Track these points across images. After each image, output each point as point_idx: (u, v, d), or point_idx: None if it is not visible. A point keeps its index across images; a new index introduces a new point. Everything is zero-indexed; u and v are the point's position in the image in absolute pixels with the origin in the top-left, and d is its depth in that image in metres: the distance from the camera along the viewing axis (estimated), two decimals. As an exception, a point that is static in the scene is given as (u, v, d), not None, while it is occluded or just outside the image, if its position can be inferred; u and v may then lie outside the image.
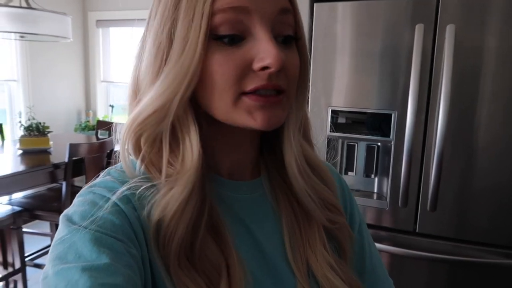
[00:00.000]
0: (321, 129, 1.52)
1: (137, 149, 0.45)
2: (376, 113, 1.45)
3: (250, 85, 0.41)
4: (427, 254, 1.41)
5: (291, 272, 0.50)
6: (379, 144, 1.48)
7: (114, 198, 0.41)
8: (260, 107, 0.42)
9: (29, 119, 2.45)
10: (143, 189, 0.43)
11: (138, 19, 3.72)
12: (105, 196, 0.42)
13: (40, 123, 2.47)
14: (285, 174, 0.51)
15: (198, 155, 0.43)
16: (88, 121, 3.90)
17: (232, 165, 0.51)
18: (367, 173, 1.53)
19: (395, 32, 1.38)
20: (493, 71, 1.28)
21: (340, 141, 1.54)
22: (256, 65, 0.41)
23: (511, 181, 1.32)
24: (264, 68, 0.41)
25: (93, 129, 3.72)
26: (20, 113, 2.91)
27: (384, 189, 1.49)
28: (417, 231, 1.45)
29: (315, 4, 1.49)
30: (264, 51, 0.40)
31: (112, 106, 4.05)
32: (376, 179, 1.52)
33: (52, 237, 2.83)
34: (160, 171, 0.44)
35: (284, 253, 0.51)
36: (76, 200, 0.43)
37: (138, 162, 0.46)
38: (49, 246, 2.69)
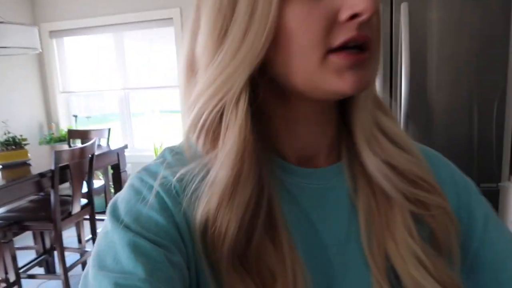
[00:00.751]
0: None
1: (193, 126, 0.41)
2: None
3: (339, 39, 0.36)
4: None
5: (367, 270, 0.41)
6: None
7: (168, 201, 0.38)
8: (350, 67, 0.36)
9: (5, 134, 2.44)
10: (193, 179, 0.39)
11: (91, 27, 3.74)
12: (156, 190, 0.39)
13: (16, 136, 2.47)
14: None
15: (240, 130, 0.37)
16: (52, 134, 3.85)
17: (302, 148, 0.44)
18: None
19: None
20: (441, 39, 1.55)
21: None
22: (345, 14, 0.35)
23: (466, 133, 1.60)
24: (353, 16, 0.35)
25: (59, 141, 3.69)
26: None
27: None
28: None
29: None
30: None
31: (76, 116, 4.02)
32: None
33: (36, 250, 2.81)
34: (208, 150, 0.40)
35: (360, 248, 0.42)
36: (127, 184, 0.42)
37: (194, 142, 0.41)
38: (36, 259, 2.69)
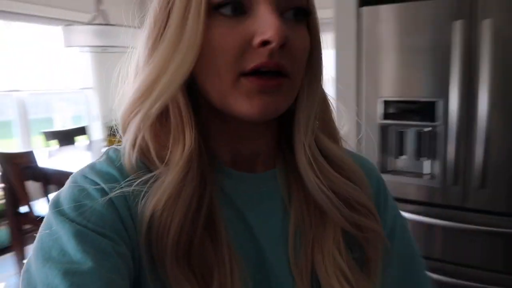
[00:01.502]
0: (373, 119, 1.72)
1: (134, 133, 0.41)
2: (423, 102, 1.62)
3: (250, 63, 0.37)
4: (480, 228, 1.53)
5: (292, 279, 0.44)
6: (427, 129, 1.65)
7: (111, 194, 0.38)
8: (259, 92, 0.38)
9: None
10: (139, 183, 0.39)
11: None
12: (98, 184, 0.39)
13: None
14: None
15: (191, 140, 0.40)
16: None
17: (238, 156, 0.46)
18: (418, 156, 1.70)
19: (436, 28, 1.55)
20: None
21: (392, 128, 1.73)
22: (256, 40, 0.37)
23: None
24: (265, 43, 0.37)
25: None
26: (98, 116, 3.30)
27: (435, 170, 1.65)
28: (468, 207, 1.58)
29: (361, 8, 1.70)
30: (265, 24, 0.37)
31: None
32: (427, 161, 1.68)
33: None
34: (156, 157, 0.41)
35: (287, 256, 0.45)
36: (68, 183, 0.40)
37: (135, 146, 0.42)
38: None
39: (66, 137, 3.24)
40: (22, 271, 0.35)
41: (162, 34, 0.40)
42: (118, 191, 0.38)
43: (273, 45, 0.36)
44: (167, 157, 0.40)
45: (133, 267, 0.37)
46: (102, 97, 3.91)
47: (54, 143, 3.18)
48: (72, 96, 3.97)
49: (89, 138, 3.40)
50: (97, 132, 3.80)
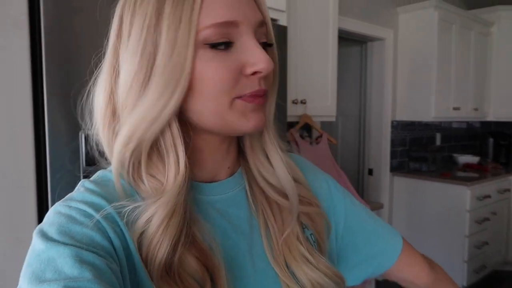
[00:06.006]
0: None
1: (124, 162, 0.45)
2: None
3: (246, 90, 0.44)
4: None
5: (274, 270, 0.51)
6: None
7: (98, 216, 0.40)
8: (253, 109, 0.45)
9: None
10: (128, 206, 0.42)
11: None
12: (85, 211, 0.41)
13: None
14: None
15: (184, 168, 0.44)
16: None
17: (208, 170, 0.51)
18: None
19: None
20: None
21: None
22: (249, 70, 0.43)
23: None
24: (255, 72, 0.43)
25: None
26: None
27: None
28: None
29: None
30: (255, 57, 0.43)
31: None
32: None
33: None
34: (146, 184, 0.45)
35: (265, 255, 0.51)
36: (51, 214, 0.41)
37: (125, 175, 0.45)
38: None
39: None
40: None
41: (152, 65, 0.42)
42: (104, 213, 0.41)
43: (263, 74, 0.44)
44: (150, 184, 0.45)
45: (123, 284, 0.39)
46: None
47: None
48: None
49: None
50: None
